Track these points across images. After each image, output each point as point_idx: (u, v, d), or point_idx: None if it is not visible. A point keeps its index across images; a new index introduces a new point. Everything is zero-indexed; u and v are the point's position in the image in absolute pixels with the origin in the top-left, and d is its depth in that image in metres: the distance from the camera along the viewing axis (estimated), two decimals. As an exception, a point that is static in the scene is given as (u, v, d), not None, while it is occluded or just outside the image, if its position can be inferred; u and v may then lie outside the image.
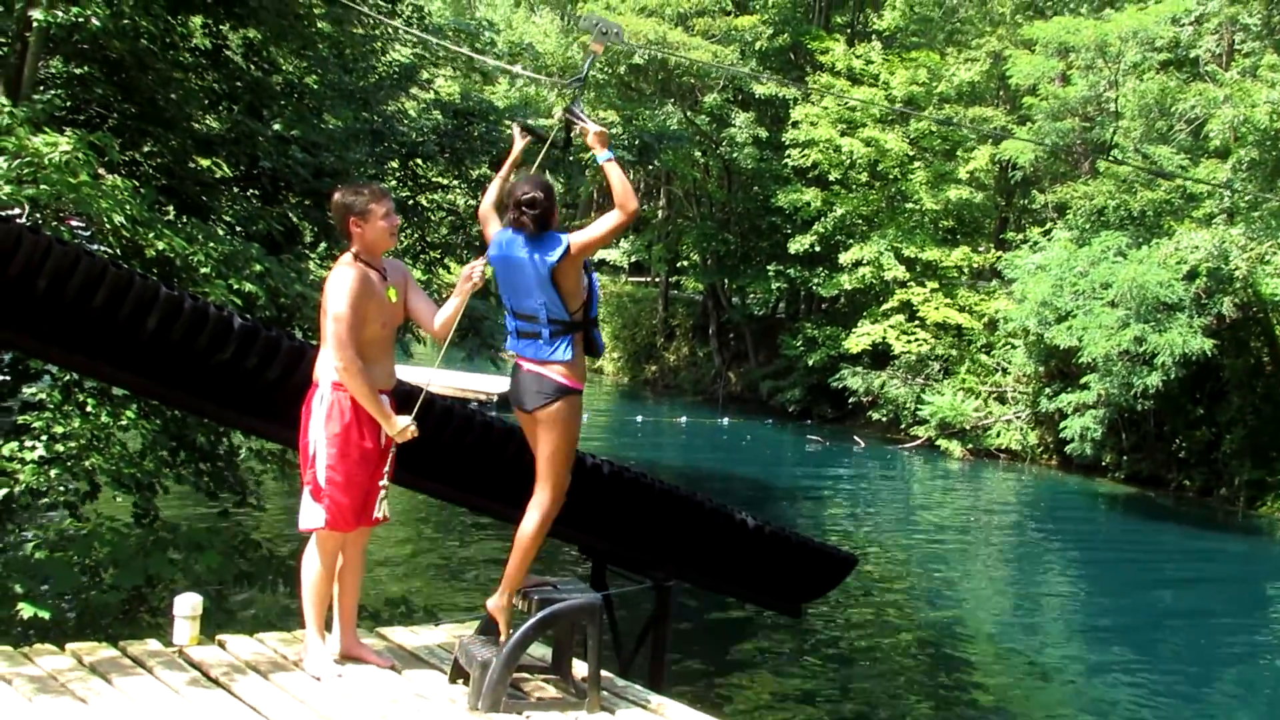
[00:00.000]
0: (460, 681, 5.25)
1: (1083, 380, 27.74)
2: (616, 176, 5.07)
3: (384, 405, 5.26)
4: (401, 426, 5.22)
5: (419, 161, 14.97)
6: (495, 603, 5.22)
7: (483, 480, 7.35)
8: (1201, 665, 15.32)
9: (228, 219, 10.68)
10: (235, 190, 11.51)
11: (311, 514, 5.23)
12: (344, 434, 5.19)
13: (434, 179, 15.72)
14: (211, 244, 8.22)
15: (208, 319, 5.93)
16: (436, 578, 15.02)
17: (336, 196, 5.47)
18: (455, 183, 15.84)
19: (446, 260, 16.18)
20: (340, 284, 5.17)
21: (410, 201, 14.76)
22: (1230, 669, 15.27)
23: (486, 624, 5.52)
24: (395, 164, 14.64)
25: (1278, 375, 27.91)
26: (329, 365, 5.20)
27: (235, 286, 8.07)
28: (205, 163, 11.12)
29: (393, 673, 5.39)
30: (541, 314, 5.10)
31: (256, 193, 11.62)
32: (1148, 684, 14.37)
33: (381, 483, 5.32)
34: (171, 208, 10.28)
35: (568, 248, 5.03)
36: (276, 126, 11.36)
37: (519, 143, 5.73)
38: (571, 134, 5.55)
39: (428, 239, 15.65)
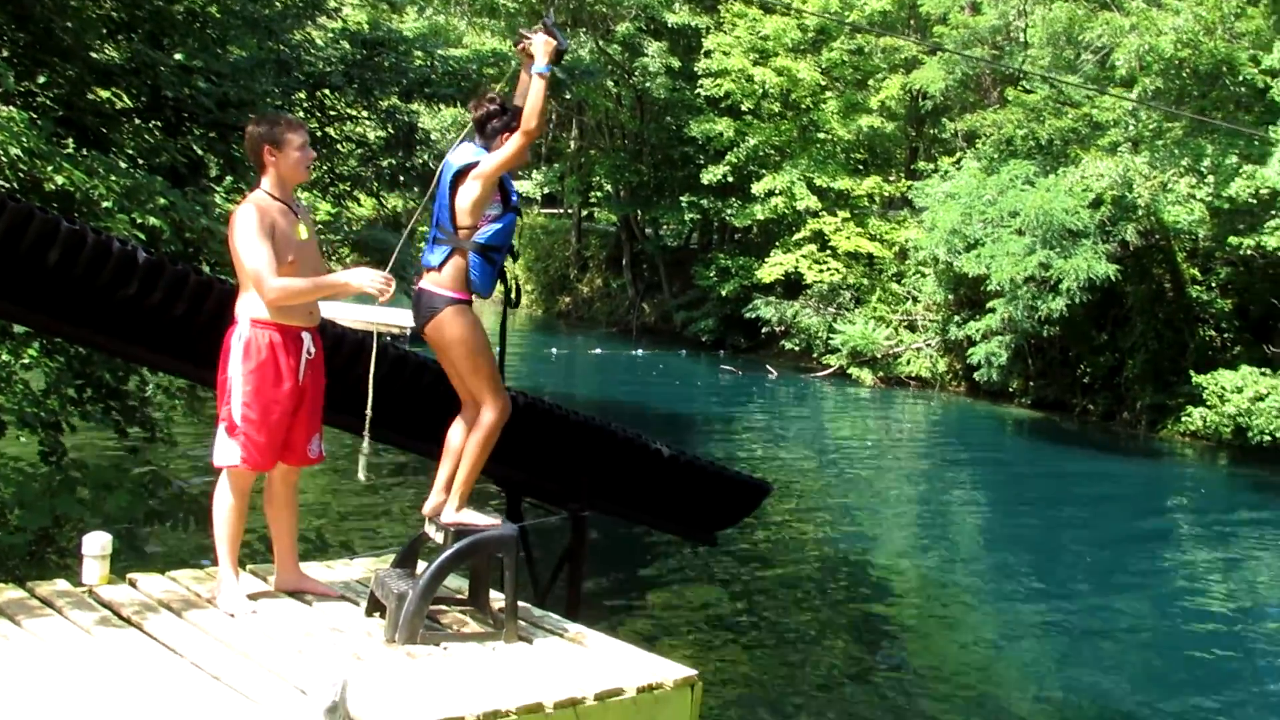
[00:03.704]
0: (377, 614, 5.25)
1: (989, 305, 28.20)
2: (537, 92, 4.98)
3: (334, 280, 5.22)
4: (371, 277, 5.11)
5: (327, 92, 14.68)
6: (448, 514, 5.19)
7: (396, 415, 7.32)
8: (1105, 581, 15.75)
9: (129, 151, 10.42)
10: (137, 122, 11.22)
11: (226, 451, 5.17)
12: (260, 371, 5.12)
13: (343, 110, 15.46)
14: (113, 177, 8.02)
15: (111, 253, 5.81)
16: (351, 513, 14.97)
17: (251, 127, 5.37)
18: (364, 114, 15.58)
19: (356, 192, 15.98)
20: (245, 224, 5.08)
21: (319, 133, 14.52)
22: (1131, 584, 15.71)
23: (403, 557, 5.53)
24: (302, 95, 14.34)
25: (1179, 301, 28.54)
26: (248, 303, 5.14)
27: (139, 220, 7.90)
28: (105, 94, 10.82)
29: (308, 608, 5.37)
30: (435, 218, 5.07)
31: (159, 124, 11.34)
32: (1053, 601, 14.74)
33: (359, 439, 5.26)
34: (70, 140, 10.02)
35: (476, 163, 5.00)
36: (178, 56, 11.08)
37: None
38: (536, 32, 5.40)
39: (337, 171, 15.43)
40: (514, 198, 5.24)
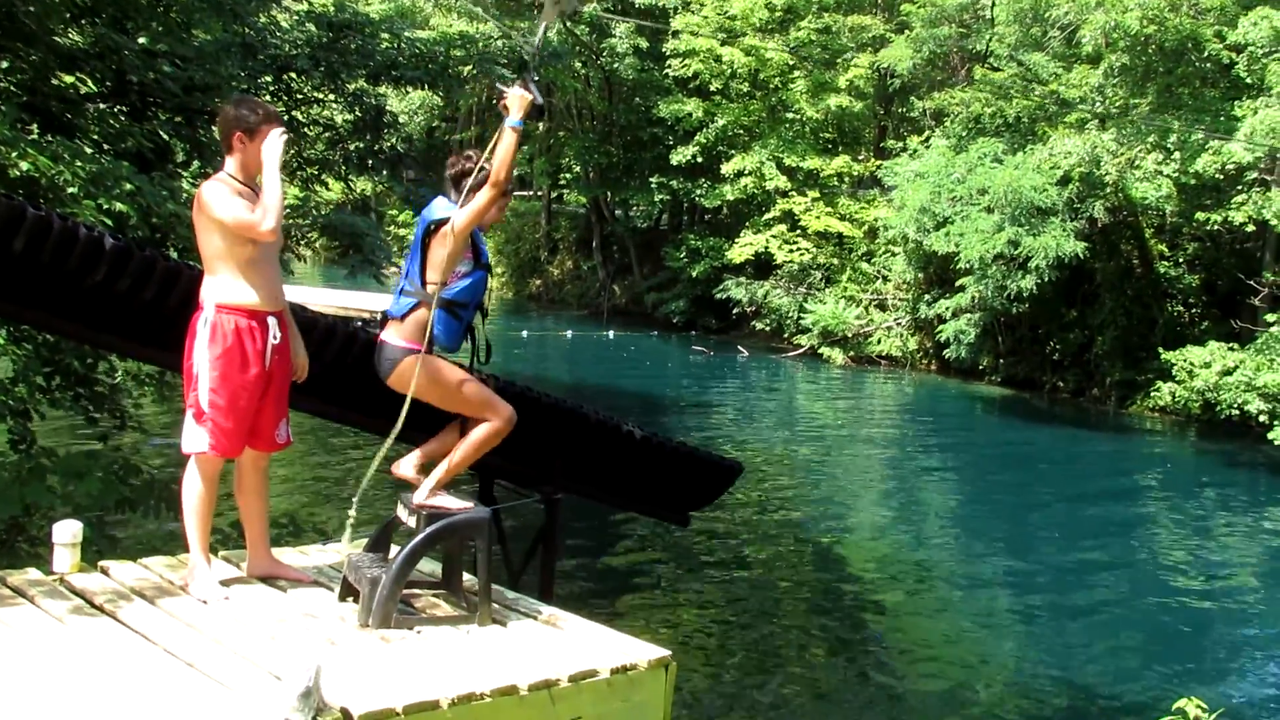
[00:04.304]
0: (350, 599, 5.24)
1: (958, 283, 28.32)
2: (507, 145, 4.98)
3: (271, 168, 5.13)
4: (278, 134, 5.13)
5: (293, 75, 14.60)
6: (415, 495, 5.23)
7: (368, 399, 7.30)
8: (1075, 557, 15.86)
9: (95, 137, 10.34)
10: (102, 107, 11.13)
11: (194, 437, 5.15)
12: (226, 356, 5.09)
13: (309, 93, 15.37)
14: (79, 163, 7.96)
15: (77, 239, 5.76)
16: (324, 498, 14.95)
17: (229, 108, 5.33)
18: (331, 97, 15.50)
19: (324, 176, 15.90)
20: (217, 195, 5.07)
21: (286, 117, 14.42)
22: (1102, 559, 15.84)
23: (375, 541, 5.52)
24: (269, 78, 14.26)
25: (1147, 278, 28.72)
26: (213, 287, 5.12)
27: (105, 206, 7.84)
28: (69, 79, 10.73)
29: (282, 593, 5.37)
30: (405, 270, 5.10)
31: (124, 109, 11.25)
32: (1024, 577, 14.87)
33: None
34: (35, 126, 9.93)
35: (445, 219, 5.02)
36: (143, 40, 10.99)
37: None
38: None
39: (304, 154, 15.34)
40: (484, 255, 5.25)
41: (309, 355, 5.65)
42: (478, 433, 5.21)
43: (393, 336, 5.09)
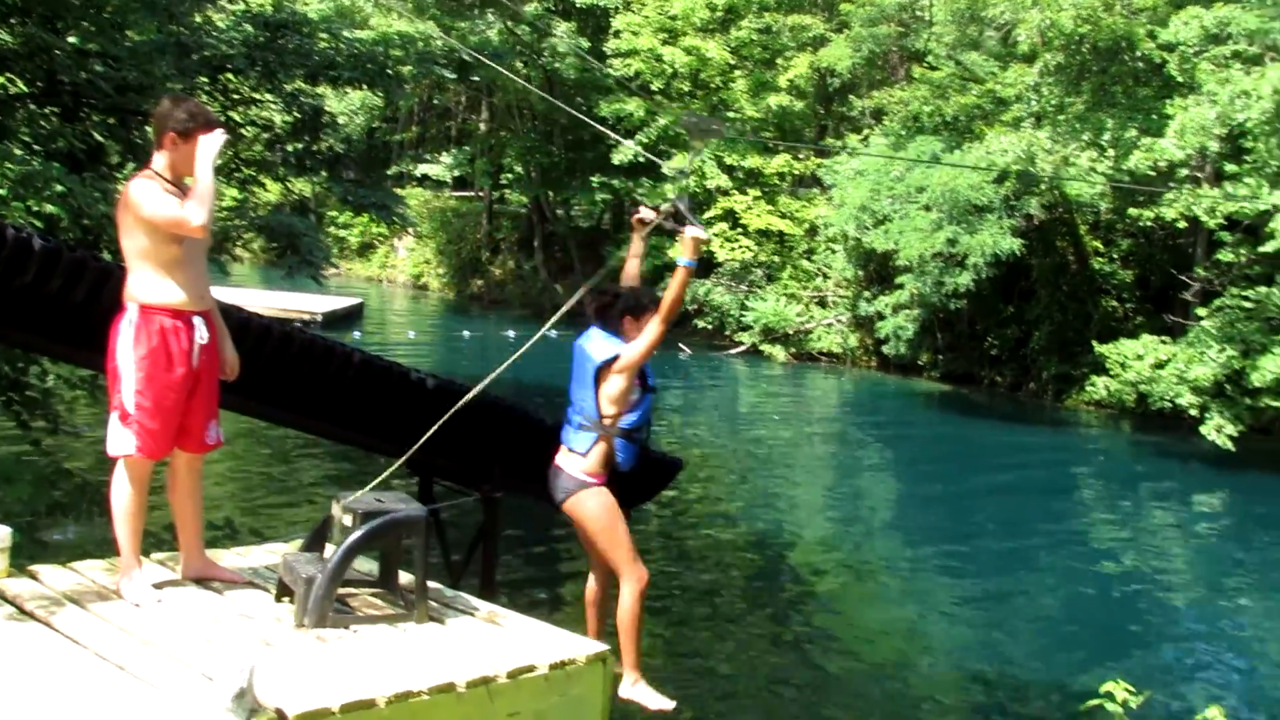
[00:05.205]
0: (286, 599, 5.22)
1: (897, 280, 28.53)
2: (679, 284, 5.15)
3: (204, 164, 5.04)
4: (218, 135, 5.11)
5: (230, 76, 14.48)
6: (623, 689, 5.47)
7: (304, 399, 7.28)
8: (1013, 549, 16.05)
9: (25, 138, 10.22)
10: (32, 108, 11.01)
11: (120, 440, 5.09)
12: (151, 357, 5.03)
13: (246, 94, 15.24)
14: (8, 164, 7.88)
15: (5, 241, 5.70)
16: (262, 500, 14.83)
17: (168, 104, 5.23)
18: (269, 97, 15.38)
19: (262, 177, 15.77)
20: (147, 191, 4.98)
21: (223, 117, 14.30)
22: (1038, 550, 16.05)
23: (311, 541, 5.50)
24: (204, 79, 14.14)
25: (1082, 273, 29.07)
26: (137, 287, 5.05)
27: (35, 208, 7.77)
28: (-1, 79, 10.62)
29: (217, 595, 5.33)
30: (579, 406, 5.33)
31: (56, 110, 11.13)
32: (963, 568, 15.04)
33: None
34: (-37, 127, 9.81)
35: (615, 357, 5.25)
36: (74, 40, 10.88)
37: (639, 230, 5.89)
38: (667, 218, 5.66)
39: (241, 156, 15.22)
40: (650, 379, 5.47)
41: (243, 356, 5.61)
42: (627, 609, 5.40)
43: (573, 468, 5.30)
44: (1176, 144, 22.11)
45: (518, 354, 5.47)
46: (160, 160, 5.14)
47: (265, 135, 15.55)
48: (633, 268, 5.75)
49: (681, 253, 5.18)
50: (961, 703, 10.95)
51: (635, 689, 5.43)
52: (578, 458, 5.28)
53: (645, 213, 5.70)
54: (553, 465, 5.36)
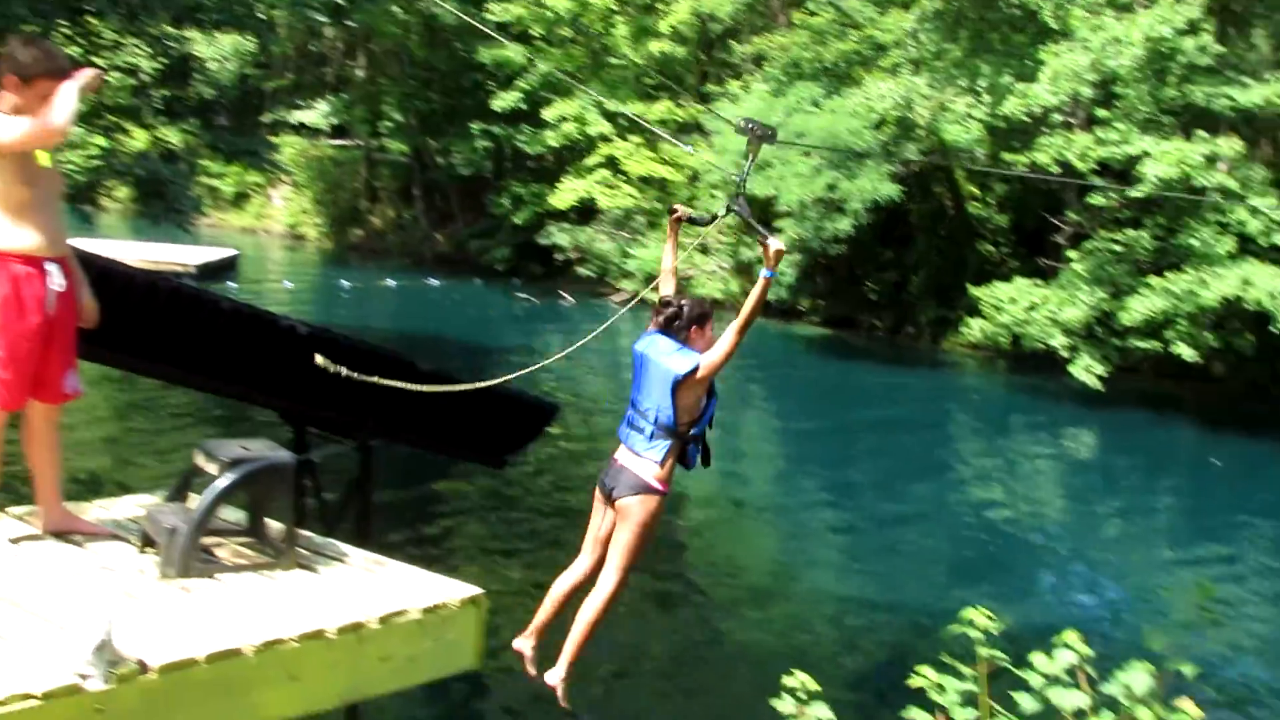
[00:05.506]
0: (150, 550, 5.12)
1: (777, 226, 28.71)
2: (759, 295, 5.13)
3: (68, 91, 4.82)
4: (88, 73, 4.93)
5: (90, 19, 14.03)
6: (552, 675, 5.33)
7: (171, 348, 7.12)
8: (893, 487, 16.41)
9: None
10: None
11: (-29, 391, 4.93)
12: (4, 305, 4.85)
13: (110, 37, 14.78)
14: None
15: None
16: (127, 452, 14.53)
17: (13, 42, 5.02)
18: (134, 41, 14.93)
19: (127, 125, 15.36)
20: None
21: (86, 61, 13.86)
22: (918, 488, 16.42)
23: (175, 491, 5.40)
24: (63, 21, 13.68)
25: (959, 218, 29.54)
26: None
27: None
28: None
29: (78, 548, 5.20)
30: (652, 415, 5.28)
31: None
32: (845, 509, 15.34)
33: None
34: None
35: (695, 368, 5.19)
36: (-80, -22, 10.45)
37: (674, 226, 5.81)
38: (721, 215, 5.76)
39: (106, 103, 14.79)
40: (713, 382, 5.42)
41: (106, 305, 5.45)
42: (600, 600, 5.33)
43: (645, 472, 5.27)
44: (1050, 90, 22.50)
45: (586, 338, 5.52)
46: (3, 103, 4.91)
47: (131, 82, 15.13)
48: (668, 263, 5.77)
49: (768, 264, 5.21)
50: (833, 629, 11.28)
51: (563, 685, 5.44)
52: (651, 464, 5.31)
53: (683, 210, 5.73)
54: (618, 465, 5.38)
